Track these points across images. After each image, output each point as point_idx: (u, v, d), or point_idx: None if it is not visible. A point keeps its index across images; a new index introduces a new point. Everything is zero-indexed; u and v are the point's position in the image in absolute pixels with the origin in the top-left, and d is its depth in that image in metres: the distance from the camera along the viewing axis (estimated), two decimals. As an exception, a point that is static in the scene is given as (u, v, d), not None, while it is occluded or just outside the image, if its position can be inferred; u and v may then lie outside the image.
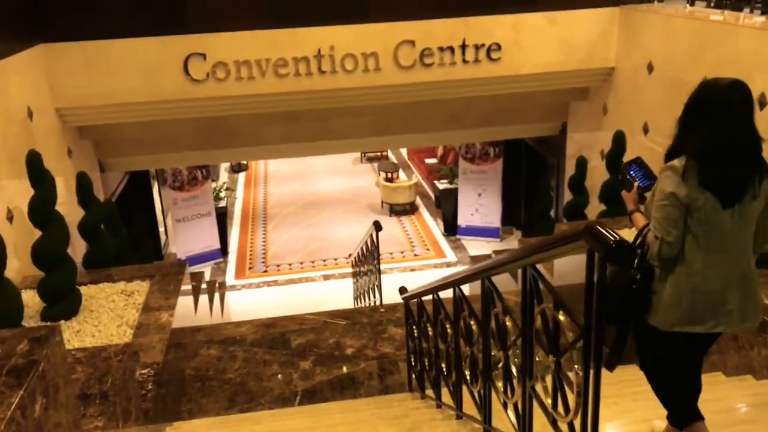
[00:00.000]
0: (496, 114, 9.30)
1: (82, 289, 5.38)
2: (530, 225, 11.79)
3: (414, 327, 4.33)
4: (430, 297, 3.91)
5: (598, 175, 8.05)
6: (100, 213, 6.07)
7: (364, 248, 7.40)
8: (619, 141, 6.71)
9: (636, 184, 2.93)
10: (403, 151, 19.34)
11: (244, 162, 18.66)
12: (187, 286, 6.38)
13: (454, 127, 9.36)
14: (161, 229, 12.10)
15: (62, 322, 4.80)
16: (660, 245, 2.48)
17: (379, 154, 18.79)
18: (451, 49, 7.33)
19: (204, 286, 7.04)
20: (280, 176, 17.62)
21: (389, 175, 15.41)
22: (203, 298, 6.96)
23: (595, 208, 8.14)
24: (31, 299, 5.08)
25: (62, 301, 4.83)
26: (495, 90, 8.05)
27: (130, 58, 6.84)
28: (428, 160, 16.46)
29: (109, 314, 4.95)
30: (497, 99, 8.61)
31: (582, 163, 7.74)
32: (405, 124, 9.11)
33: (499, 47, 7.41)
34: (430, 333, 3.87)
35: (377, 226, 5.85)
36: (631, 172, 3.00)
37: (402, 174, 16.93)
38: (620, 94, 7.75)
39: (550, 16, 7.43)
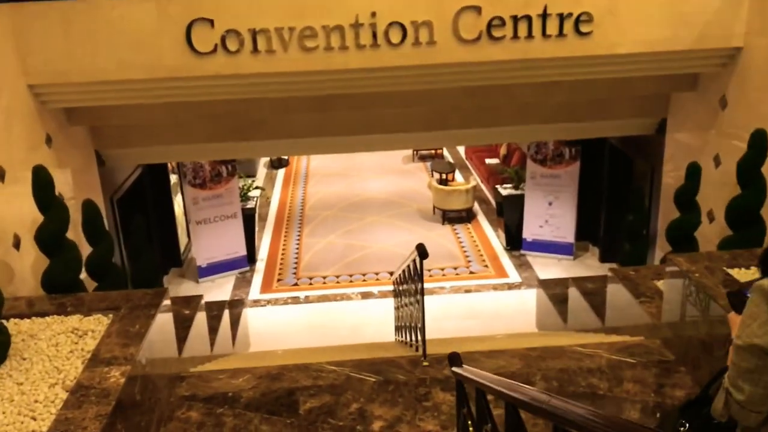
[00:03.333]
0: (577, 106, 7.75)
1: (23, 324, 4.16)
2: (612, 244, 10.19)
3: (470, 423, 2.87)
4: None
5: (710, 187, 6.46)
6: (62, 218, 4.82)
7: (406, 272, 5.98)
8: (759, 142, 5.08)
9: None
10: (461, 149, 17.83)
11: (285, 157, 17.53)
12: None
13: (526, 120, 7.84)
14: (181, 233, 10.96)
15: (-25, 375, 3.55)
16: (727, 401, 2.04)
17: (432, 151, 17.34)
18: (528, 18, 5.83)
19: (201, 312, 5.73)
20: (323, 174, 16.39)
21: (443, 176, 13.97)
22: (200, 326, 5.67)
23: (708, 230, 6.53)
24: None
25: (-24, 346, 3.58)
26: (582, 74, 6.53)
27: (119, 23, 5.60)
28: (489, 161, 14.94)
29: (44, 365, 3.68)
30: (582, 86, 7.09)
31: (695, 172, 6.14)
32: (465, 117, 7.64)
33: (590, 18, 5.87)
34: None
35: (421, 252, 4.42)
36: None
37: (458, 176, 15.44)
38: (748, 84, 6.10)
39: (659, -23, 5.84)
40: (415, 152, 17.29)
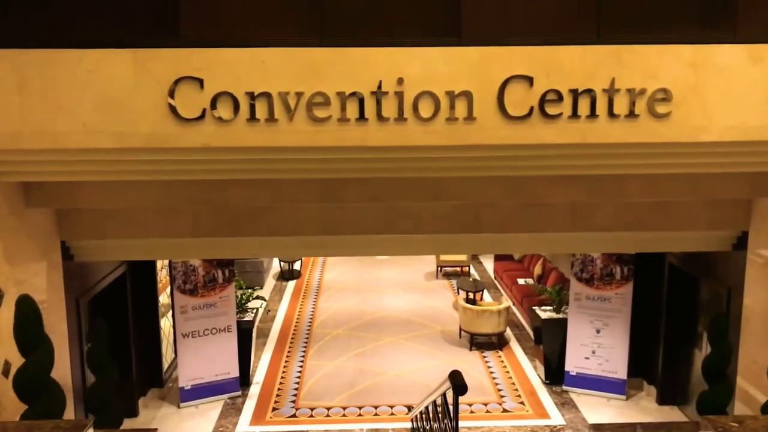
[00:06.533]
0: (638, 211, 6.65)
1: None
2: (673, 383, 8.76)
3: None
4: None
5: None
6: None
7: (431, 408, 4.66)
8: None
9: None
10: (489, 267, 16.66)
11: (297, 268, 16.49)
12: None
13: (575, 226, 6.71)
14: (167, 347, 9.70)
15: None
16: None
17: (458, 269, 16.20)
18: (592, 94, 4.82)
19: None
20: (337, 287, 15.25)
21: (471, 295, 12.68)
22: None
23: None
24: None
25: None
26: (654, 167, 5.49)
27: (87, 79, 4.68)
28: (521, 281, 13.69)
29: None
30: (647, 185, 6.01)
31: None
32: (503, 218, 6.57)
33: (668, 96, 4.85)
34: None
35: (457, 385, 3.13)
36: None
37: (487, 296, 14.18)
38: None
39: (753, 50, 4.86)
40: (439, 268, 16.16)
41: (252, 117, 4.75)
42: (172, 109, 4.70)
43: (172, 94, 4.68)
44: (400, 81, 4.75)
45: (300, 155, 4.99)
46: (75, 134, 4.74)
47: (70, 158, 4.98)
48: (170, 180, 5.76)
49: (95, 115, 4.71)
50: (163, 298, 9.59)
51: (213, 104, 4.70)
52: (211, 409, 8.99)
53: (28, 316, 4.47)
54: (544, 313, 9.98)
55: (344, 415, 8.75)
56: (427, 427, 5.00)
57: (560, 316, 9.76)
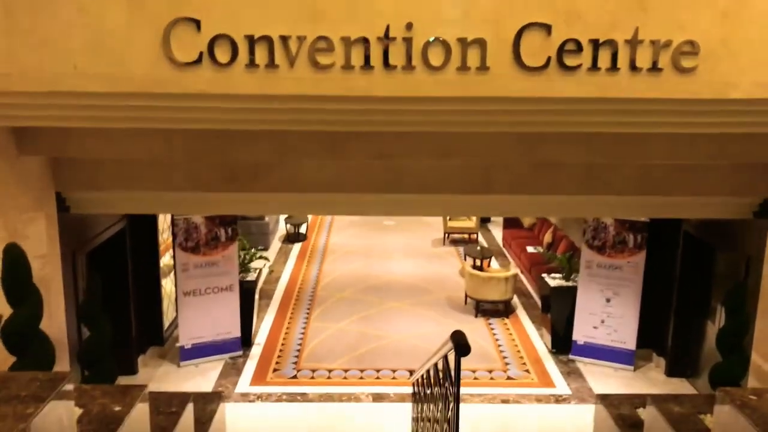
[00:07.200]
0: (655, 174, 6.36)
1: None
2: (683, 355, 8.57)
3: None
4: None
5: None
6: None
7: (432, 371, 4.48)
8: None
9: None
10: (498, 235, 16.45)
11: (303, 231, 16.33)
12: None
13: (590, 189, 6.43)
14: (169, 305, 9.57)
15: None
16: None
17: (466, 236, 15.99)
18: (613, 44, 4.52)
19: (142, 406, 4.22)
20: (343, 251, 15.09)
21: (477, 262, 12.48)
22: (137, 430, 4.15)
23: None
24: None
25: None
26: (676, 125, 5.19)
27: (78, 18, 4.41)
28: (531, 249, 13.46)
29: None
30: (672, 144, 5.73)
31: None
32: (515, 178, 6.30)
33: (695, 49, 4.53)
34: None
35: (459, 345, 2.93)
36: None
37: (495, 263, 13.99)
38: None
39: (789, 1, 4.52)
40: (446, 235, 15.95)
41: (251, 62, 4.48)
42: (167, 52, 4.44)
43: (167, 36, 4.42)
44: (409, 26, 4.45)
45: (302, 104, 4.73)
46: (65, 76, 4.49)
47: (60, 102, 4.74)
48: (169, 130, 5.54)
49: (86, 57, 4.45)
50: (167, 259, 9.44)
51: (210, 48, 4.45)
52: (212, 368, 8.88)
53: (15, 264, 4.29)
54: (554, 280, 9.77)
55: (345, 378, 8.63)
56: (428, 392, 4.83)
57: (569, 284, 9.55)
